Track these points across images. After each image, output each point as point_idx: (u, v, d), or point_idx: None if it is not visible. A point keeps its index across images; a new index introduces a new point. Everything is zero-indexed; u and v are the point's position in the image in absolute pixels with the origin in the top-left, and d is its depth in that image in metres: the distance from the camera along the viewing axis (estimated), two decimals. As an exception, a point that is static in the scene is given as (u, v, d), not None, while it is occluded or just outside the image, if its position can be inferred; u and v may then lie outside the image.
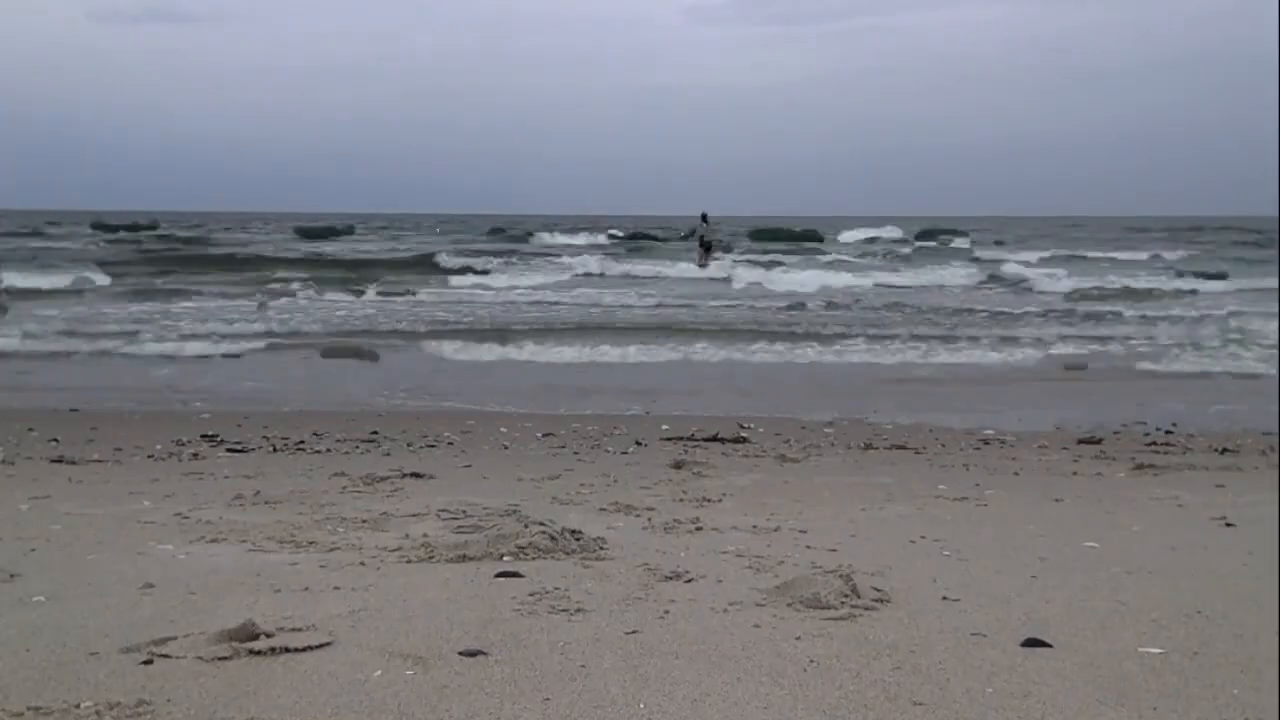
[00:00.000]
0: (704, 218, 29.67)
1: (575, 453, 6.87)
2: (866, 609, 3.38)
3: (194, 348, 12.86)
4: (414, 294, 21.02)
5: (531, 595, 3.51)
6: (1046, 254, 32.24)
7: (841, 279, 24.01)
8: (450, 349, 13.09)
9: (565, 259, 29.82)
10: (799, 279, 23.71)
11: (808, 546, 4.25)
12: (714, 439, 7.37)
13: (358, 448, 7.00)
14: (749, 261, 28.50)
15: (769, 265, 26.95)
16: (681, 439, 7.40)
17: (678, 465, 6.21)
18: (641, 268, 28.05)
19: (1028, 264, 28.24)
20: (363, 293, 20.74)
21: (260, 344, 13.51)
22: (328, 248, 34.76)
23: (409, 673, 2.83)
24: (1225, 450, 7.05)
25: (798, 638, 3.12)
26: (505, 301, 20.08)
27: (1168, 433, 7.87)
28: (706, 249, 29.67)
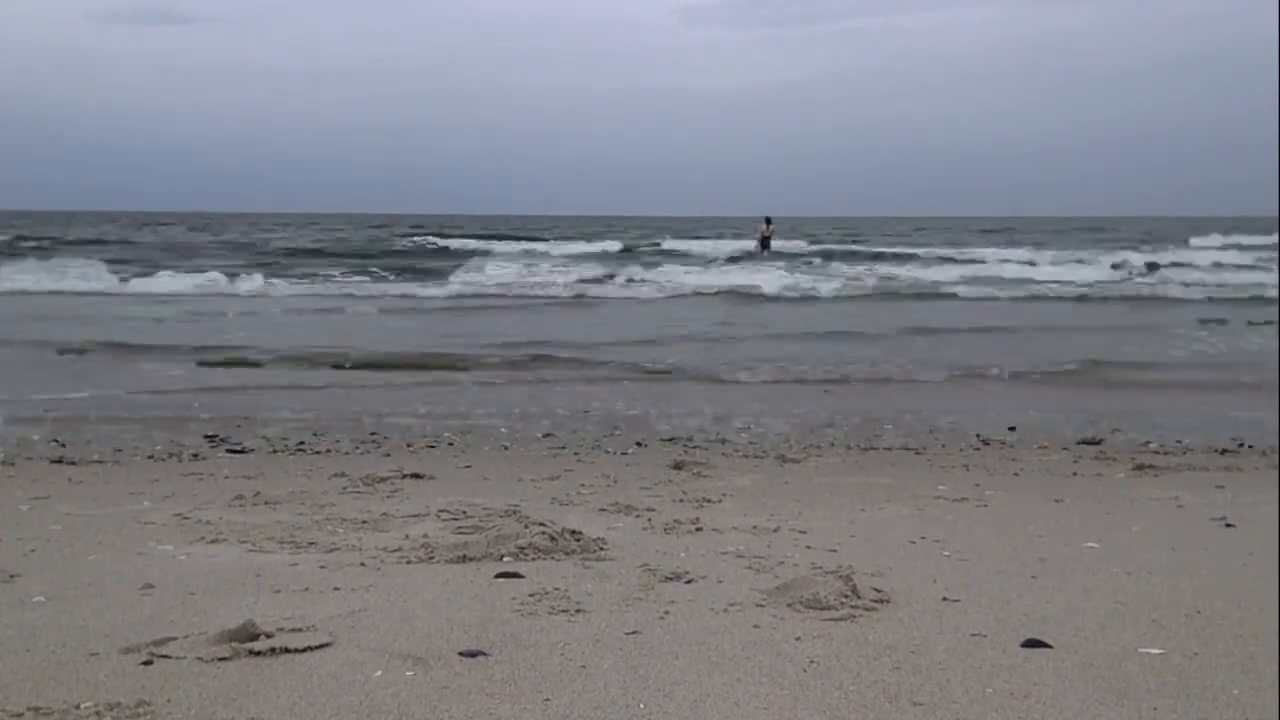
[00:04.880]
0: (767, 220, 35.75)
1: (575, 453, 6.87)
2: (866, 609, 3.38)
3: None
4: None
5: (531, 596, 3.52)
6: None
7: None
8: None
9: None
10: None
11: (808, 547, 4.25)
12: (714, 439, 7.37)
13: (358, 448, 7.00)
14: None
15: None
16: (681, 439, 7.40)
17: (678, 466, 6.21)
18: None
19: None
20: None
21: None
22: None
23: (409, 673, 2.83)
24: (1225, 450, 7.05)
25: (798, 638, 3.12)
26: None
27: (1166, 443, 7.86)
28: (765, 244, 35.13)
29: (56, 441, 7.13)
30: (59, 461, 6.34)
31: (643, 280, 25.42)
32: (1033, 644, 3.09)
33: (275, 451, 6.85)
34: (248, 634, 3.02)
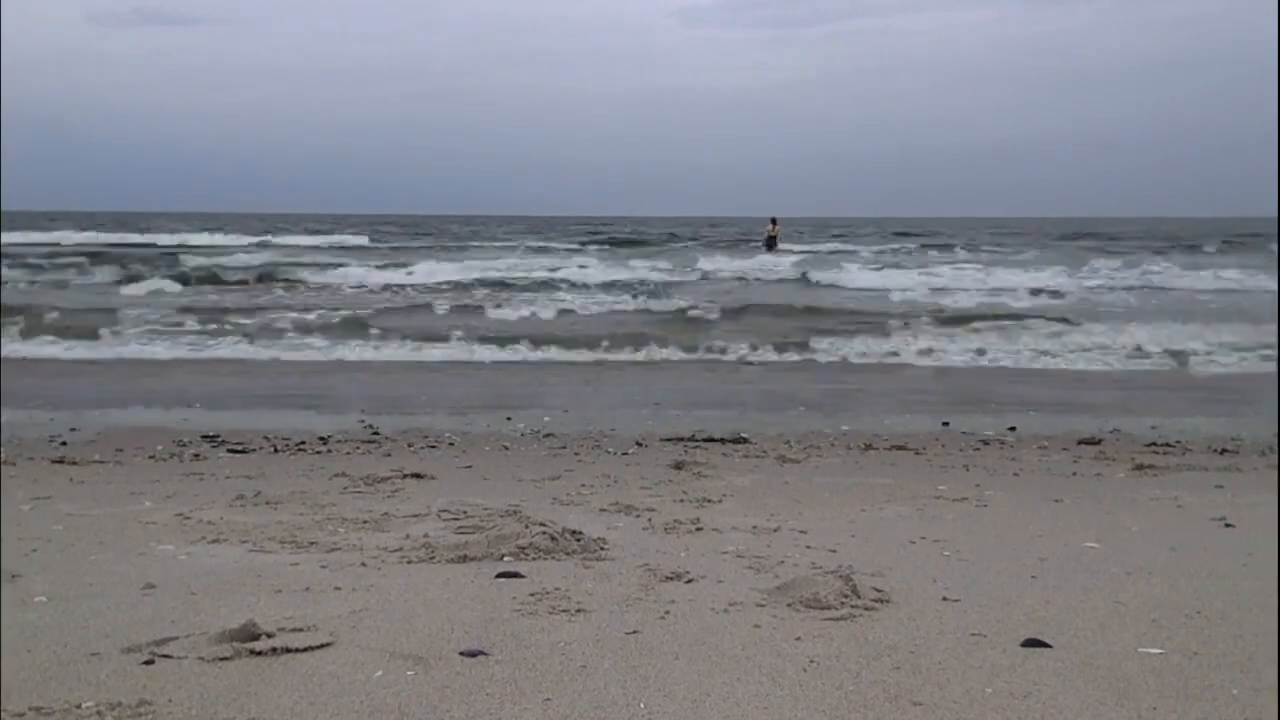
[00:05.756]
0: (773, 221, 35.68)
1: (575, 453, 6.87)
2: (866, 609, 3.38)
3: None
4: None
5: (532, 596, 3.52)
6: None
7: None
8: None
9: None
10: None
11: (808, 547, 4.26)
12: (714, 440, 7.37)
13: (358, 448, 7.01)
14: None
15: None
16: (681, 439, 7.40)
17: (678, 466, 6.21)
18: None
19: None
20: None
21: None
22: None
23: (410, 673, 2.84)
24: (1225, 450, 7.05)
25: (798, 638, 3.13)
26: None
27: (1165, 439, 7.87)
28: (771, 245, 34.79)
29: (58, 441, 7.13)
30: (60, 461, 6.34)
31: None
32: (1032, 644, 3.09)
33: (276, 451, 6.85)
34: (249, 634, 3.02)
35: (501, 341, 13.21)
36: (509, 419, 8.25)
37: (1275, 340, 12.73)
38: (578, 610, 3.37)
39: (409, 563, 3.98)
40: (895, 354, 12.80)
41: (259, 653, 2.95)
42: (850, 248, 36.23)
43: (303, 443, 7.15)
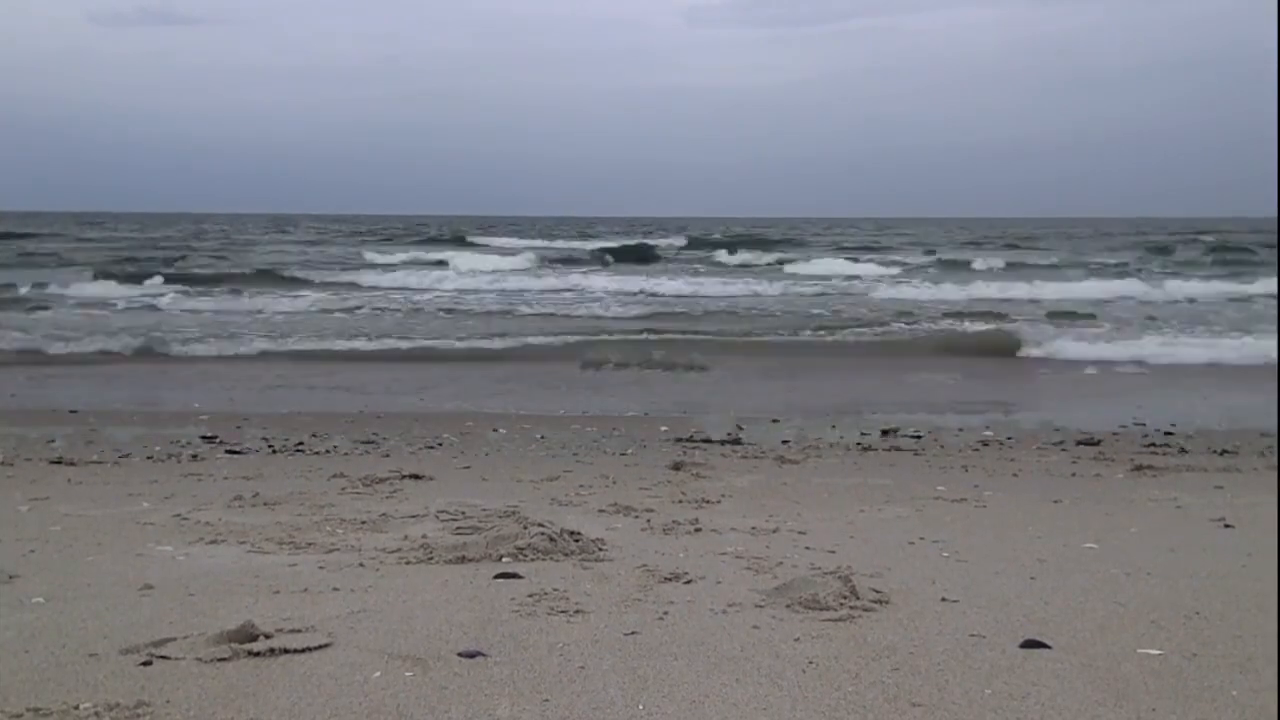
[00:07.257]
0: None
1: (574, 454, 6.87)
2: (865, 610, 3.38)
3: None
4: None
5: (530, 596, 3.52)
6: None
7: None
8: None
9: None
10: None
11: (806, 548, 4.25)
12: (713, 440, 7.37)
13: (357, 449, 7.00)
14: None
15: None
16: (680, 440, 7.40)
17: (677, 466, 6.21)
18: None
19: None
20: None
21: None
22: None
23: (408, 674, 2.83)
24: (1224, 451, 7.05)
25: (796, 639, 3.13)
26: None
27: (1167, 434, 7.87)
28: None
29: (55, 441, 7.13)
30: (58, 462, 6.34)
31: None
32: (1031, 645, 3.09)
33: (274, 452, 6.85)
34: (247, 635, 3.02)
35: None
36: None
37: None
38: (576, 611, 3.37)
39: (407, 563, 3.97)
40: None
41: (257, 654, 2.94)
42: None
43: (300, 443, 7.15)
